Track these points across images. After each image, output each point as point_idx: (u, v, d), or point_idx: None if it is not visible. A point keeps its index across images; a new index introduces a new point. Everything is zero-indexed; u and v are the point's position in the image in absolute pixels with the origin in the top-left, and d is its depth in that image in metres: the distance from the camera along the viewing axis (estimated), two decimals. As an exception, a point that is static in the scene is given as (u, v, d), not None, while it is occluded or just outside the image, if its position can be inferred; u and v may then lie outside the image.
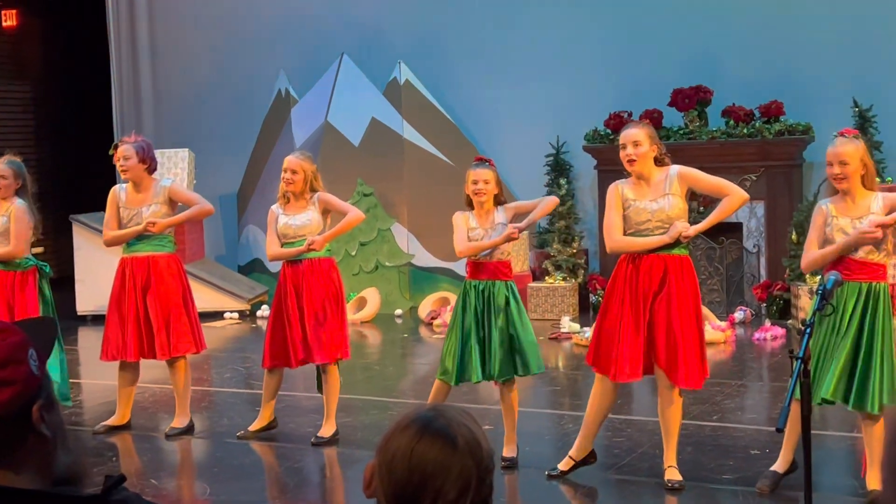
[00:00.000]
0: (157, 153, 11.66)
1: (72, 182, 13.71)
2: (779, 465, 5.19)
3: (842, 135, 5.01)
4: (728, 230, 10.20)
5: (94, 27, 13.51)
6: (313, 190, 6.26)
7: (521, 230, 5.57)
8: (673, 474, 5.28)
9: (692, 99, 10.19)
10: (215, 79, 12.81)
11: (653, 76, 10.47)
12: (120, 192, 6.50)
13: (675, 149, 10.18)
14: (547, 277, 10.56)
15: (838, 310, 4.87)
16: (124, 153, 6.38)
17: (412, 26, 11.72)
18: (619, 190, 5.29)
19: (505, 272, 5.69)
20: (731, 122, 10.10)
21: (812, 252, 5.00)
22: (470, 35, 11.54)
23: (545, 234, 10.88)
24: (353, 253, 11.20)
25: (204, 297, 11.01)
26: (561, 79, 11.04)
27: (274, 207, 6.35)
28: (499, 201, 5.66)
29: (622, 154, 5.24)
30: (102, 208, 6.56)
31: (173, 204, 6.47)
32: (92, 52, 13.70)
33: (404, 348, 9.77)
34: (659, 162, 5.27)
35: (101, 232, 6.60)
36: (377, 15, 11.88)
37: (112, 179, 13.27)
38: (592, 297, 10.41)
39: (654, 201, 5.21)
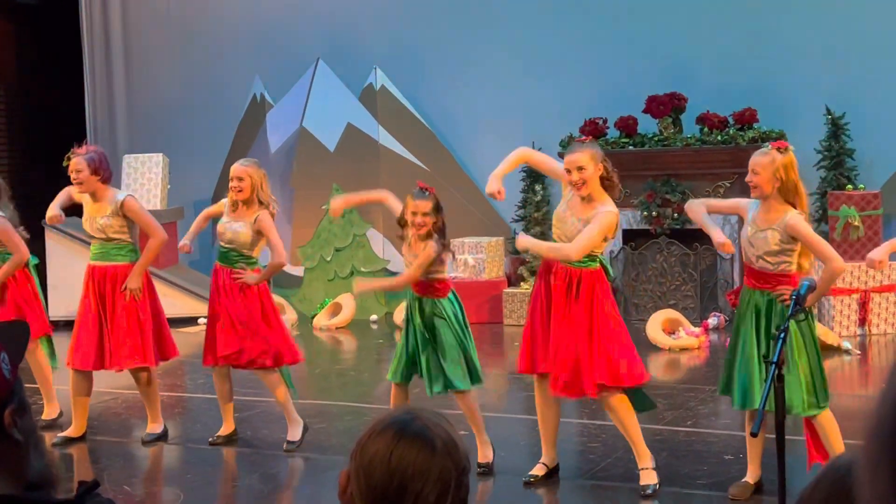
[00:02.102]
0: (131, 158, 11.73)
1: (45, 188, 13.59)
2: (750, 477, 5.24)
3: (772, 145, 5.08)
4: (702, 236, 10.24)
5: (68, 33, 13.42)
6: (260, 201, 6.20)
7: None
8: (647, 477, 5.30)
9: (667, 106, 10.23)
10: (190, 83, 12.76)
11: (628, 83, 10.51)
12: (78, 197, 6.45)
13: (650, 155, 10.25)
14: (522, 283, 10.57)
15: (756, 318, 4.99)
16: (76, 166, 6.29)
17: (388, 32, 11.71)
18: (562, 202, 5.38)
19: (439, 289, 5.65)
20: (706, 128, 10.16)
21: (712, 203, 5.32)
22: (446, 41, 11.55)
23: (520, 240, 10.90)
24: (329, 258, 11.18)
25: (177, 303, 10.95)
26: (537, 85, 11.07)
27: (224, 201, 6.38)
28: (438, 229, 5.57)
29: (568, 178, 5.24)
30: (75, 213, 6.53)
31: (127, 218, 6.34)
32: (65, 57, 13.61)
33: (379, 354, 9.75)
34: (606, 182, 5.24)
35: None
36: (353, 20, 11.86)
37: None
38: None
39: (577, 221, 5.24)
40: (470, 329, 5.73)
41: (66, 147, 6.51)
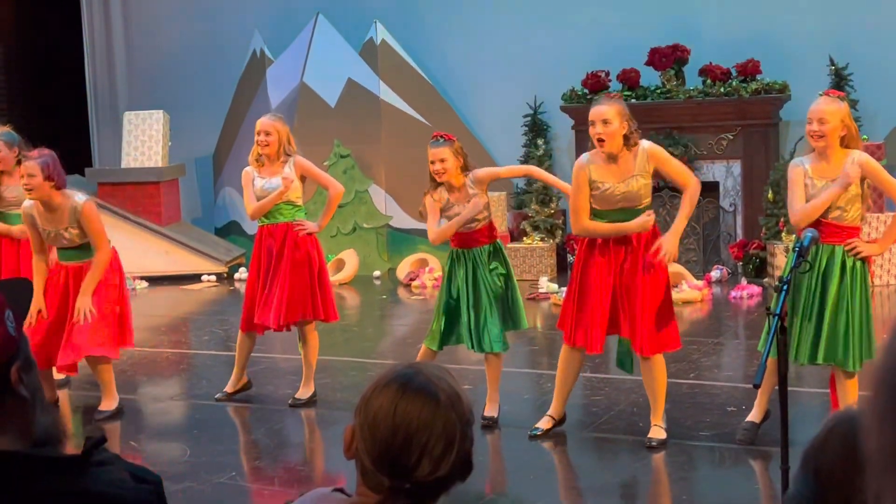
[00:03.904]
0: (132, 115, 11.68)
1: (46, 147, 13.56)
2: (754, 416, 5.28)
3: (826, 94, 5.02)
4: (704, 189, 10.18)
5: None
6: (287, 153, 6.18)
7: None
8: (656, 432, 5.33)
9: (669, 58, 10.17)
10: (189, 39, 12.67)
11: (630, 35, 10.43)
12: (33, 213, 5.99)
13: (653, 108, 10.20)
14: (525, 238, 10.57)
15: (814, 271, 4.92)
16: (28, 170, 5.87)
17: (388, -14, 11.60)
18: (587, 172, 5.22)
19: (489, 236, 5.70)
20: (708, 80, 10.10)
21: (804, 204, 4.94)
22: (446, -6, 11.45)
23: (523, 195, 10.89)
24: (331, 215, 11.17)
25: (181, 260, 10.98)
26: (538, 38, 10.99)
27: (248, 169, 6.26)
28: (467, 168, 5.62)
29: (591, 131, 5.17)
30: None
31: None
32: (64, 13, 13.52)
33: (383, 310, 9.78)
34: (628, 139, 5.18)
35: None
36: (352, -26, 11.75)
37: (87, 142, 13.16)
38: (570, 257, 10.43)
39: (622, 182, 5.19)
40: (514, 278, 5.76)
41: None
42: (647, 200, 5.28)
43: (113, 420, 6.16)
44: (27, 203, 6.03)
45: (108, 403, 6.20)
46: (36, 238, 6.05)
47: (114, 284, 6.12)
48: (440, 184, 5.61)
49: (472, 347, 5.65)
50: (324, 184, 6.36)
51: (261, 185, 6.18)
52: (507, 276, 5.71)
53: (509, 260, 5.82)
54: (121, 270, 6.22)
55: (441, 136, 5.63)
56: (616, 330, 5.34)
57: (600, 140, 5.14)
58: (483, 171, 5.70)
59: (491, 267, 5.64)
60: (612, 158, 5.18)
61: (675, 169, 5.36)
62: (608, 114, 5.11)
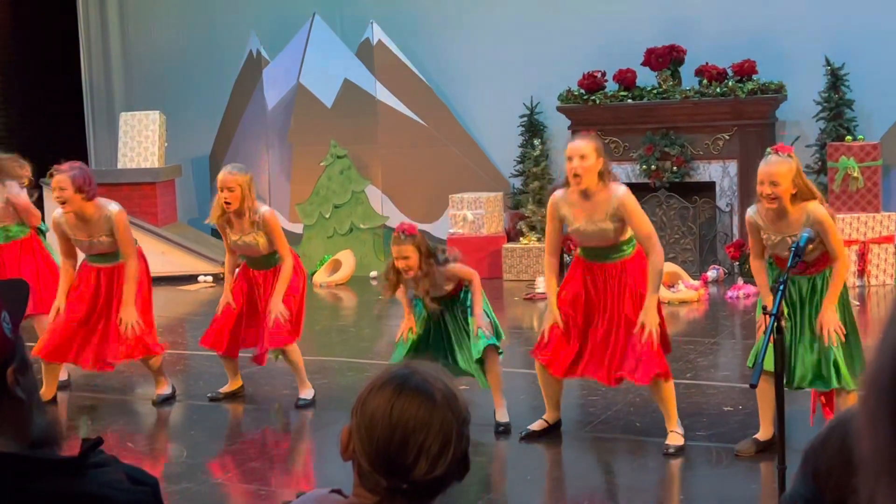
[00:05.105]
0: (128, 116, 11.67)
1: (41, 147, 13.54)
2: (760, 434, 5.23)
3: (775, 152, 4.94)
4: (701, 189, 10.24)
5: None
6: (252, 203, 6.04)
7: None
8: (673, 439, 5.32)
9: (665, 58, 10.17)
10: (186, 40, 12.67)
11: (626, 35, 10.43)
12: (62, 223, 6.17)
13: (649, 108, 10.20)
14: (521, 238, 10.58)
15: (793, 302, 4.99)
16: (59, 184, 5.98)
17: (384, -14, 11.60)
18: (556, 208, 5.31)
19: (454, 293, 5.72)
20: (705, 81, 10.10)
21: (758, 277, 5.12)
22: (442, -5, 11.46)
23: (519, 196, 10.89)
24: (328, 215, 11.18)
25: (177, 261, 10.97)
26: (534, 38, 10.99)
27: (215, 224, 6.25)
28: (431, 257, 5.56)
29: (568, 166, 5.19)
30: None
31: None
32: (60, 14, 13.51)
33: (379, 310, 9.77)
34: (602, 176, 5.21)
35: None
36: (349, -25, 11.75)
37: (83, 143, 13.14)
38: (567, 258, 10.43)
39: (592, 223, 5.22)
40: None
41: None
42: (627, 236, 5.27)
43: (170, 402, 6.47)
44: (57, 212, 6.23)
45: (164, 388, 6.50)
46: (64, 244, 6.30)
47: (143, 294, 6.37)
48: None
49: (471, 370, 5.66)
50: (280, 250, 6.16)
51: (234, 240, 6.17)
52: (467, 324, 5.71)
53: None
54: (148, 274, 6.49)
55: (403, 232, 5.51)
56: (574, 370, 5.40)
57: (576, 176, 5.16)
58: (453, 268, 5.61)
59: (462, 307, 5.69)
60: (585, 196, 5.21)
61: (637, 226, 5.23)
62: (586, 149, 5.16)
